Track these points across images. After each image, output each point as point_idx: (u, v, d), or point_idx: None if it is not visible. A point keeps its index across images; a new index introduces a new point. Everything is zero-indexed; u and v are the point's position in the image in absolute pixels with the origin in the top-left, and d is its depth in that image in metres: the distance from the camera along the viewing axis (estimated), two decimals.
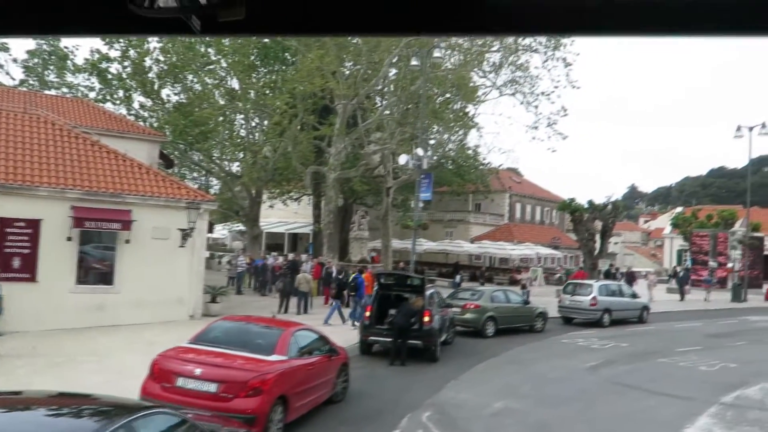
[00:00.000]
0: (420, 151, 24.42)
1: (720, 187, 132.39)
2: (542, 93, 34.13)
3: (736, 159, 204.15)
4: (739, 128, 38.78)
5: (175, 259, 19.59)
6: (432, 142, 38.36)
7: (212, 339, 8.94)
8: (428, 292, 15.89)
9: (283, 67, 34.09)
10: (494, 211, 59.98)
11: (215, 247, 57.64)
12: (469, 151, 45.16)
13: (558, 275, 44.29)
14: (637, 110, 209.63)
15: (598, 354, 17.51)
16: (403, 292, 15.42)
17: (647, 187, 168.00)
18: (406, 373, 13.87)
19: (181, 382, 7.96)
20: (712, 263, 47.26)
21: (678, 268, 39.55)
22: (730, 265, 45.22)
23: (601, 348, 18.57)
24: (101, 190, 18.26)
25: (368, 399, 11.36)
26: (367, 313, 15.30)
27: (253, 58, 35.27)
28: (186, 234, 19.45)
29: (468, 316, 19.42)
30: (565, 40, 33.03)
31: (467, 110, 41.02)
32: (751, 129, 38.43)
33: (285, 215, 53.45)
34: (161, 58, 31.81)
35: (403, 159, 24.69)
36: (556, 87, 33.66)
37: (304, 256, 33.09)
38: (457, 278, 36.38)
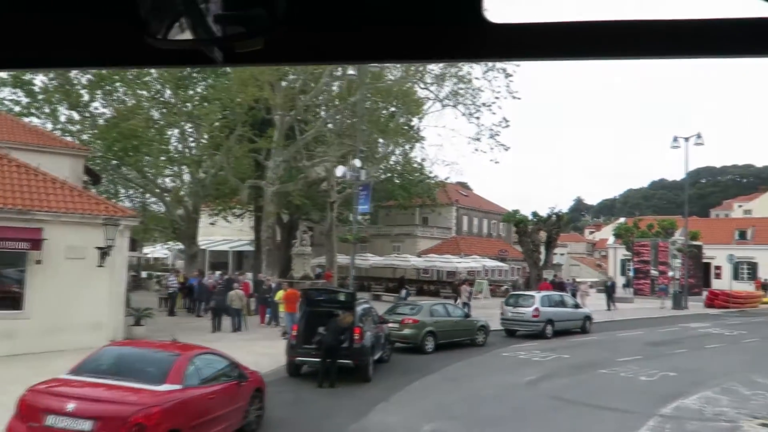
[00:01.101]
0: (357, 163, 23.70)
1: (661, 199, 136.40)
2: (483, 104, 33.90)
3: (676, 171, 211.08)
4: (675, 139, 39.49)
5: (93, 279, 18.24)
6: (377, 156, 37.80)
7: (95, 368, 7.87)
8: (360, 308, 15.06)
9: (218, 78, 32.94)
10: (441, 224, 59.77)
11: (157, 266, 55.57)
12: (415, 165, 44.81)
13: (504, 287, 44.06)
14: (583, 125, 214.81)
15: (538, 367, 16.96)
16: (333, 308, 14.54)
17: (592, 199, 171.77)
18: (335, 395, 12.97)
19: (50, 420, 6.89)
20: (653, 272, 47.97)
21: (606, 280, 39.82)
22: (670, 273, 45.92)
23: (542, 361, 18.04)
24: (7, 207, 16.83)
25: (285, 427, 10.44)
26: (294, 332, 14.36)
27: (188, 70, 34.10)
28: (104, 252, 18.16)
29: (406, 331, 18.65)
30: None
31: (412, 123, 40.70)
32: (687, 140, 39.18)
33: (230, 233, 52.00)
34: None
35: (340, 171, 23.91)
36: (497, 98, 33.35)
37: (248, 274, 31.99)
38: (403, 293, 35.65)
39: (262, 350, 17.67)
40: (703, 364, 18.04)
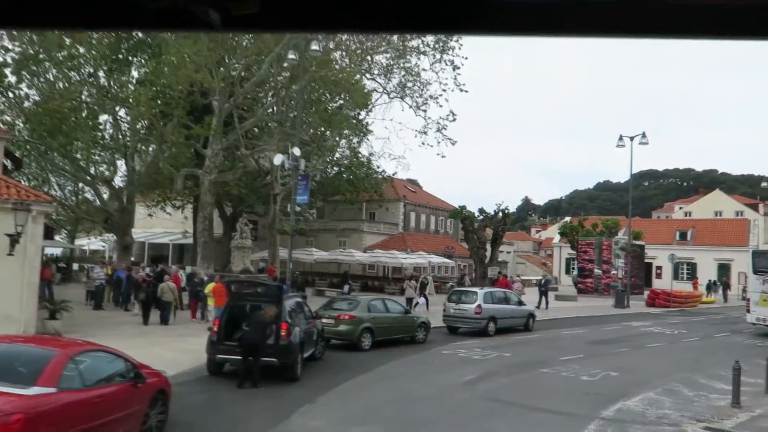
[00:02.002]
0: (297, 152, 22.58)
1: (605, 200, 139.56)
2: (431, 96, 33.21)
3: (620, 174, 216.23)
4: (621, 138, 39.65)
5: (1, 269, 16.65)
6: (322, 147, 36.68)
7: None
8: (289, 302, 14.01)
9: (154, 59, 31.20)
10: (389, 220, 59.05)
11: (95, 259, 53.01)
12: (362, 159, 43.94)
13: (450, 284, 43.56)
14: (532, 125, 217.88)
15: (478, 366, 16.24)
16: (259, 302, 13.45)
17: (539, 199, 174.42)
18: (256, 396, 11.89)
19: None
20: (597, 270, 48.32)
21: (541, 278, 39.69)
22: (614, 272, 46.30)
23: (482, 359, 17.35)
24: None
25: None
26: (215, 328, 13.20)
27: (124, 53, 32.29)
28: (14, 240, 16.56)
29: (342, 327, 17.69)
30: (453, 43, 32.36)
31: (360, 117, 39.79)
32: (632, 139, 39.42)
33: (171, 225, 50.04)
34: (9, 45, 28.17)
35: (278, 159, 22.73)
36: (444, 90, 32.73)
37: (187, 267, 30.41)
38: (346, 288, 34.60)
39: (186, 346, 16.47)
40: (645, 364, 17.67)
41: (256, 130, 33.75)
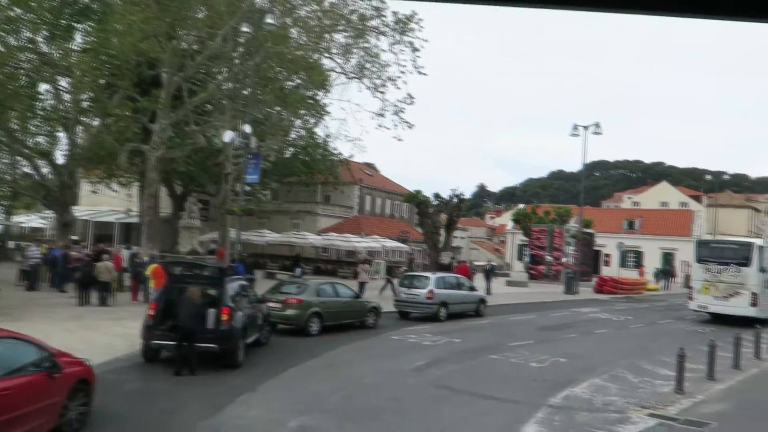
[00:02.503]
0: (247, 129, 21.80)
1: (558, 189, 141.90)
2: (389, 78, 32.63)
3: (573, 163, 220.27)
4: (575, 127, 39.93)
5: None
6: (278, 127, 35.80)
7: None
8: (232, 285, 13.41)
9: (98, 25, 29.66)
10: (344, 203, 58.56)
11: (33, 236, 50.82)
12: (319, 140, 43.17)
13: (403, 268, 43.35)
14: (489, 115, 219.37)
15: (428, 352, 15.97)
16: (200, 285, 12.80)
17: (495, 186, 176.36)
18: (194, 384, 11.31)
19: None
20: (548, 257, 48.88)
21: (486, 264, 39.79)
22: (564, 259, 46.87)
23: (432, 345, 17.09)
24: None
25: (117, 426, 8.71)
26: (151, 311, 12.50)
27: (67, 18, 30.71)
28: None
29: (289, 312, 17.16)
30: (413, 25, 31.80)
31: (317, 97, 38.99)
32: (586, 128, 39.74)
33: (118, 203, 48.32)
34: None
35: (228, 136, 21.92)
36: (402, 72, 32.17)
37: (133, 247, 29.22)
38: (298, 271, 34.00)
39: (123, 330, 15.68)
40: (593, 350, 17.72)
41: (208, 106, 32.63)
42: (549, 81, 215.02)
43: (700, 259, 26.18)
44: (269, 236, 46.46)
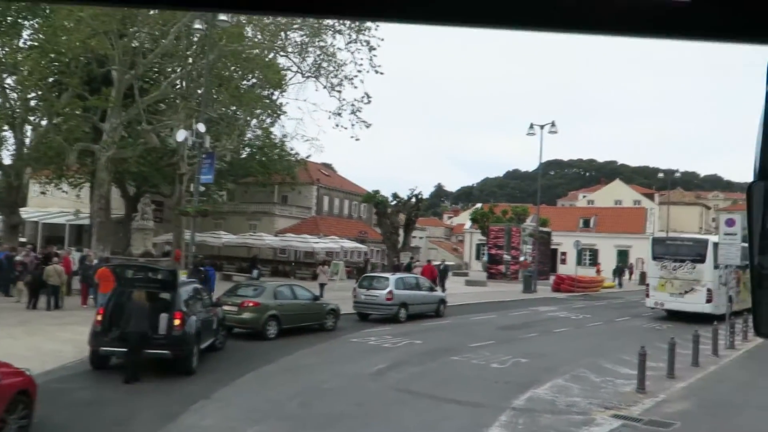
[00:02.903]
0: (201, 127, 21.17)
1: (514, 188, 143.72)
2: (346, 77, 32.29)
3: (529, 162, 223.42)
4: (531, 126, 40.30)
5: None
6: (234, 126, 35.06)
7: None
8: (185, 289, 12.89)
9: (45, 24, 28.53)
10: (301, 203, 57.93)
11: None
12: (276, 140, 42.55)
13: (361, 267, 43.04)
14: (446, 115, 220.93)
15: (388, 354, 15.69)
16: (150, 288, 12.25)
17: (452, 186, 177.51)
18: (145, 393, 10.78)
19: None
20: (506, 256, 49.23)
21: (440, 263, 39.75)
22: (522, 258, 47.29)
23: (393, 347, 16.82)
24: None
25: None
26: (99, 317, 11.90)
27: (14, 15, 29.39)
28: None
29: (246, 315, 16.66)
30: (369, 23, 31.51)
31: (274, 97, 38.43)
32: (542, 127, 40.13)
33: (69, 204, 46.66)
34: None
35: (181, 135, 21.24)
36: (359, 71, 31.87)
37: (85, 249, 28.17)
38: (255, 273, 33.30)
39: (71, 336, 14.95)
40: (553, 349, 17.71)
41: (161, 105, 31.74)
42: (502, 85, 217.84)
43: (656, 257, 26.59)
44: (225, 237, 45.52)
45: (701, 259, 25.11)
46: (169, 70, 31.85)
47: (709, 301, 24.65)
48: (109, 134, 27.67)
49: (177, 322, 11.71)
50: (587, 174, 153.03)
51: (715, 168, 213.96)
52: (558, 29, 0.95)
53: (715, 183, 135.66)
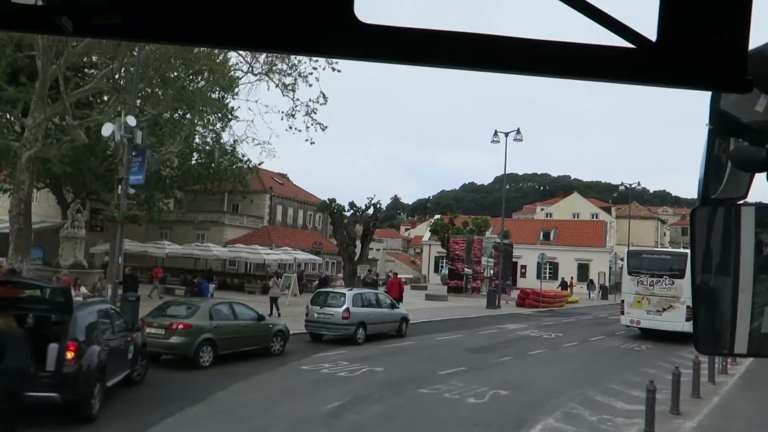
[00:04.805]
0: (131, 121, 18.39)
1: (470, 201, 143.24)
2: (299, 74, 29.79)
3: (484, 176, 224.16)
4: (496, 133, 38.65)
5: None
6: (178, 128, 32.20)
7: None
8: (86, 312, 10.16)
9: None
10: (253, 212, 54.98)
11: None
12: (226, 146, 39.78)
13: (315, 282, 40.37)
14: (403, 128, 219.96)
15: (345, 386, 13.19)
16: (39, 311, 9.51)
17: (408, 199, 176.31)
18: None
19: None
20: (467, 270, 47.19)
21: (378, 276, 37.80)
22: (483, 272, 45.38)
23: (350, 376, 14.32)
24: None
25: None
26: None
27: None
28: None
29: (174, 340, 13.93)
30: None
31: (226, 101, 35.79)
32: (507, 134, 38.46)
33: None
34: None
35: (107, 129, 18.41)
36: (314, 68, 29.39)
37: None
38: (211, 288, 28.94)
39: None
40: (533, 377, 15.49)
41: (90, 97, 28.69)
42: (457, 99, 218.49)
43: (632, 271, 24.82)
44: (169, 248, 42.27)
45: (680, 274, 23.30)
46: (101, 61, 28.75)
47: (688, 319, 22.88)
48: (31, 131, 24.54)
49: (70, 355, 8.98)
50: (541, 188, 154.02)
51: (664, 184, 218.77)
52: (515, 72, 0.98)
53: (663, 198, 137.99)
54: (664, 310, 23.54)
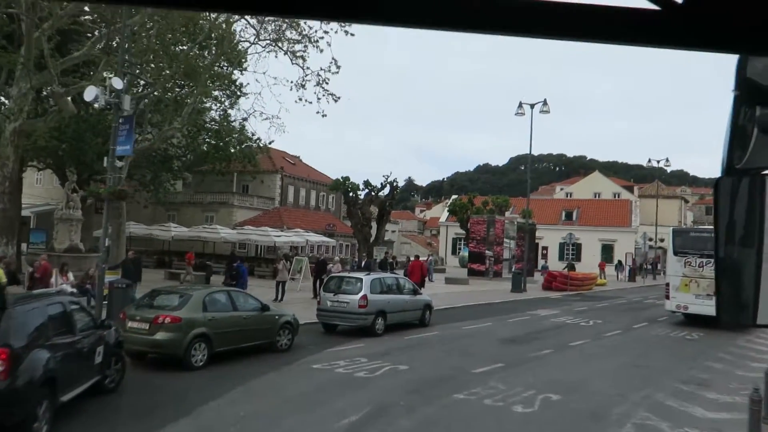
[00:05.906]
0: (117, 83, 16.09)
1: (485, 182, 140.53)
2: (309, 39, 27.35)
3: (499, 157, 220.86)
4: (520, 105, 35.99)
5: None
6: (180, 102, 30.01)
7: None
8: (30, 307, 7.94)
9: None
10: (264, 193, 52.90)
11: None
12: (235, 124, 37.55)
13: (330, 266, 38.14)
14: (417, 110, 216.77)
15: (365, 392, 10.94)
16: None
17: (422, 181, 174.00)
18: None
19: None
20: (488, 252, 44.72)
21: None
22: (507, 255, 42.96)
23: (370, 377, 12.07)
24: None
25: None
26: None
27: None
28: None
29: (160, 336, 11.71)
30: None
31: (234, 77, 33.59)
32: (532, 106, 35.88)
33: None
34: None
35: (90, 93, 16.14)
36: (326, 32, 26.90)
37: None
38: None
39: None
40: (584, 376, 13.17)
41: (82, 68, 26.47)
42: (471, 79, 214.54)
43: (678, 251, 22.37)
44: (175, 230, 40.30)
45: None
46: (93, 26, 26.46)
47: None
48: (15, 101, 22.40)
49: (1, 365, 6.76)
50: (557, 168, 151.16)
51: (682, 164, 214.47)
52: (533, 35, 0.93)
53: (681, 178, 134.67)
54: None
